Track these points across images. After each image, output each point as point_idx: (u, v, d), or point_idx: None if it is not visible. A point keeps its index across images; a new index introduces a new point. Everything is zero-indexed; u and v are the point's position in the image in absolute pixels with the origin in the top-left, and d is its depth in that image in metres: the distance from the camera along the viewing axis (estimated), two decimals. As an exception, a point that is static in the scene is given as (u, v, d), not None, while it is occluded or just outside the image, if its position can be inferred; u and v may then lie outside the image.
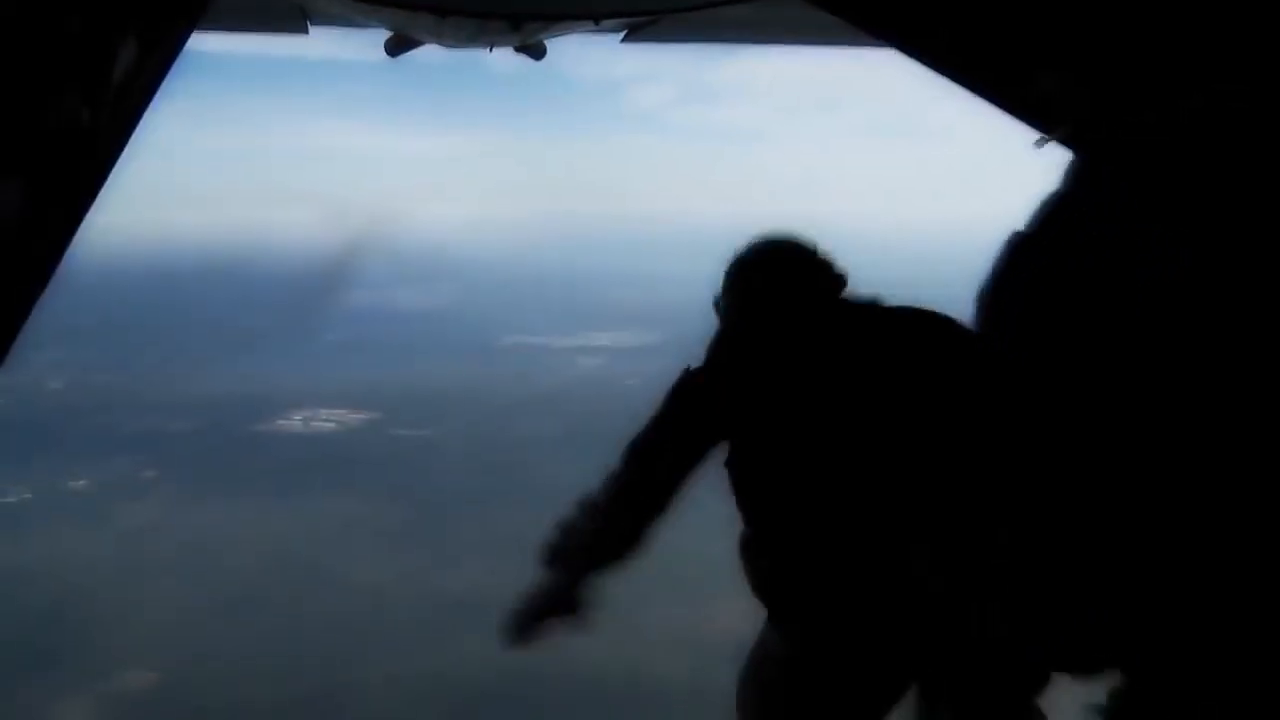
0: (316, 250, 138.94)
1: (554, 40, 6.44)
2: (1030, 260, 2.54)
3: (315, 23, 6.67)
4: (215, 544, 45.73)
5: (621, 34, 6.08)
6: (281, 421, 66.22)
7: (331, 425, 66.15)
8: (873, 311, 3.73)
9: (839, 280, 3.80)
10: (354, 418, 67.35)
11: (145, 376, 73.40)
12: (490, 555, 45.75)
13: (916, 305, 3.81)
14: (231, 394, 69.42)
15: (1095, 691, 2.55)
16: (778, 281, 3.77)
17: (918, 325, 3.64)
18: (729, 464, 3.92)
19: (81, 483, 53.05)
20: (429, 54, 6.76)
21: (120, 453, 57.04)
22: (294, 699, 33.67)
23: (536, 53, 6.68)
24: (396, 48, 6.58)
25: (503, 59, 6.76)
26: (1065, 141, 2.88)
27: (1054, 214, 2.57)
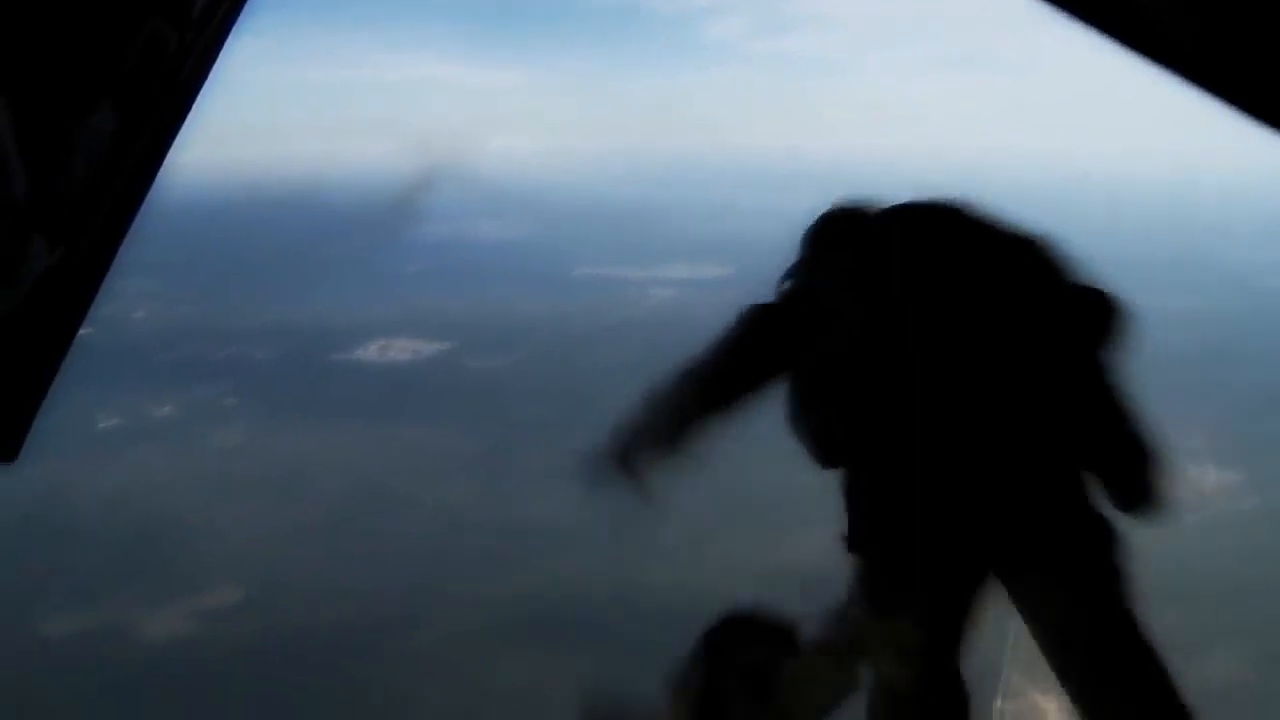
0: (394, 182, 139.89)
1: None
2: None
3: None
4: (295, 469, 47.00)
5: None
6: (359, 351, 67.29)
7: (407, 355, 67.07)
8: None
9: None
10: (429, 347, 68.17)
11: (227, 306, 74.95)
12: (563, 484, 46.28)
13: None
14: (310, 324, 70.63)
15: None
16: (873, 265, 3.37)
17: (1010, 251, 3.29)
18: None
19: (167, 409, 54.62)
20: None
21: (204, 380, 58.55)
22: (372, 618, 34.60)
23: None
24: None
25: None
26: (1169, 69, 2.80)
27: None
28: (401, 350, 67.74)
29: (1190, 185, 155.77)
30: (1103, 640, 3.03)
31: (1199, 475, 41.14)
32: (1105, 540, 3.11)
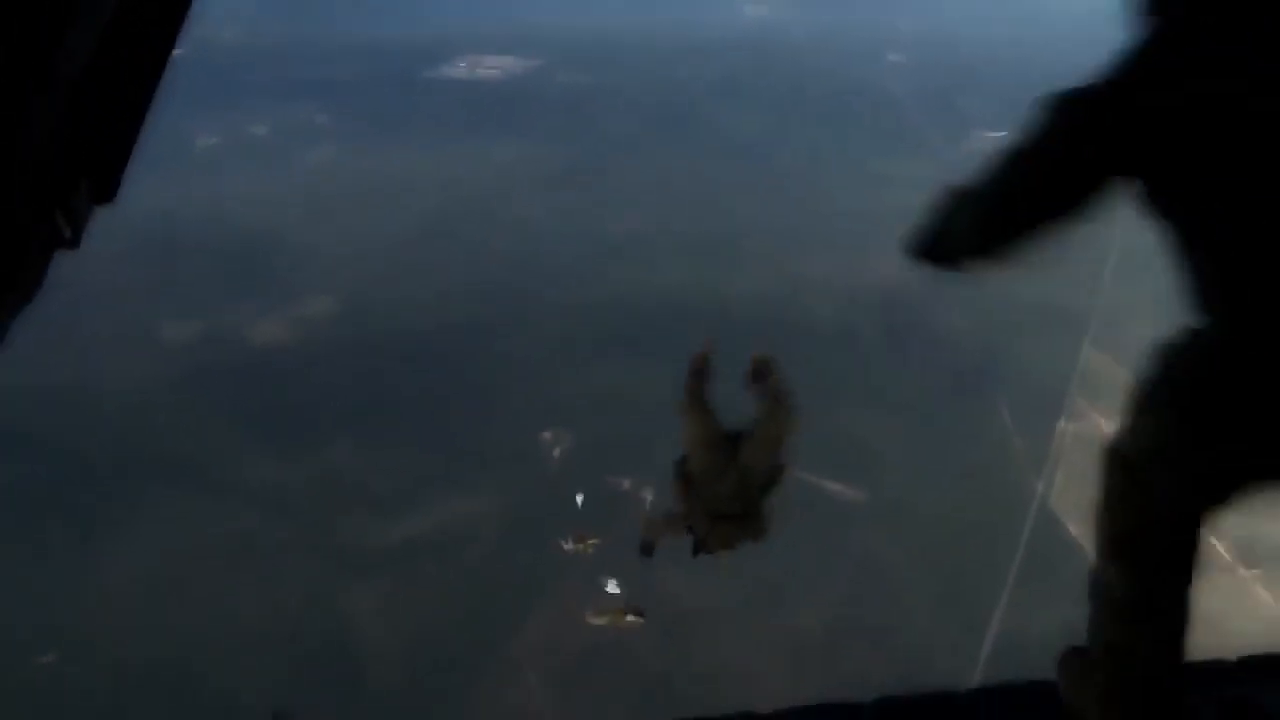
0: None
1: None
2: None
3: None
4: (386, 184, 47.75)
5: None
6: (448, 68, 66.58)
7: (496, 72, 66.23)
8: None
9: None
10: (519, 64, 67.16)
11: (312, 25, 74.12)
12: (651, 199, 46.42)
13: None
14: (398, 41, 69.79)
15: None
16: None
17: None
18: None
19: (262, 129, 55.20)
20: None
21: (295, 100, 58.77)
22: (463, 326, 35.86)
23: None
24: None
25: None
26: None
27: None
28: (491, 67, 66.88)
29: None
30: None
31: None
32: None
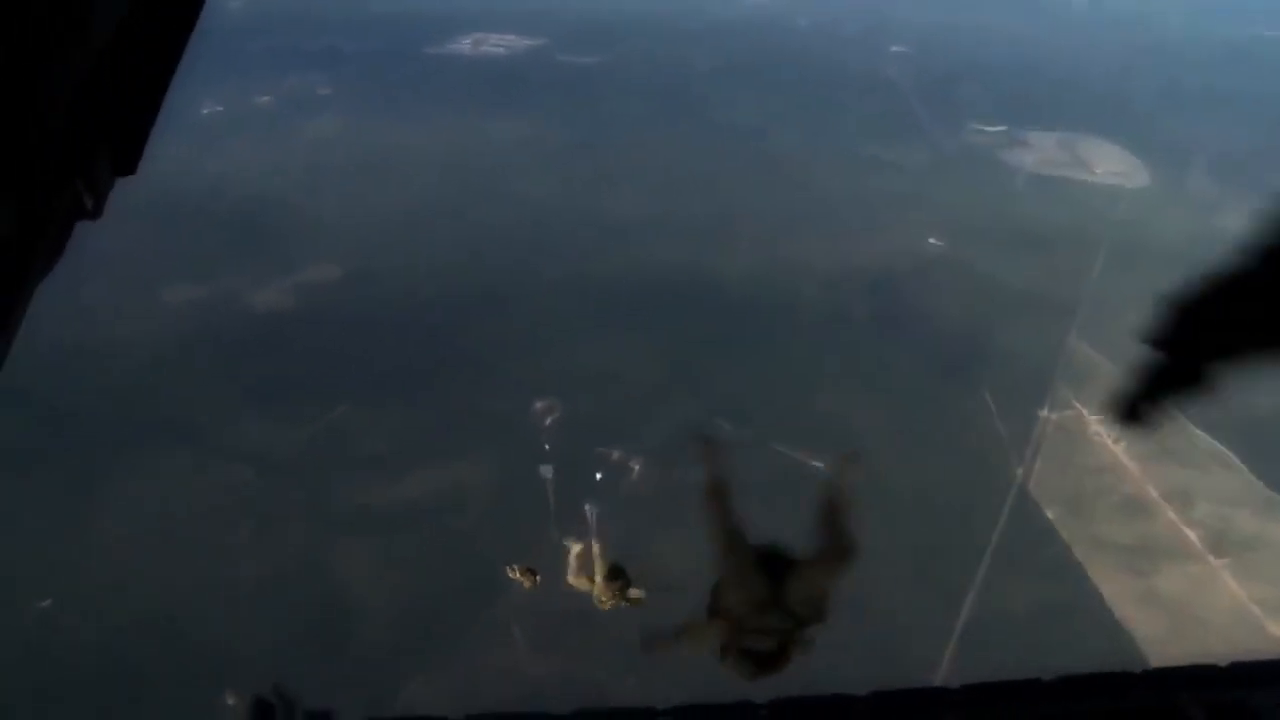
0: None
1: None
2: None
3: None
4: (389, 157, 48.15)
5: None
6: (453, 44, 66.59)
7: (501, 49, 66.28)
8: None
9: None
10: (523, 42, 67.21)
11: (320, -4, 74.04)
12: (650, 179, 46.74)
13: None
14: (404, 15, 69.62)
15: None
16: None
17: None
18: None
19: (265, 98, 55.38)
20: None
21: (299, 71, 58.91)
22: (464, 295, 36.40)
23: None
24: None
25: None
26: None
27: None
28: (496, 44, 66.93)
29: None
30: None
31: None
32: None
